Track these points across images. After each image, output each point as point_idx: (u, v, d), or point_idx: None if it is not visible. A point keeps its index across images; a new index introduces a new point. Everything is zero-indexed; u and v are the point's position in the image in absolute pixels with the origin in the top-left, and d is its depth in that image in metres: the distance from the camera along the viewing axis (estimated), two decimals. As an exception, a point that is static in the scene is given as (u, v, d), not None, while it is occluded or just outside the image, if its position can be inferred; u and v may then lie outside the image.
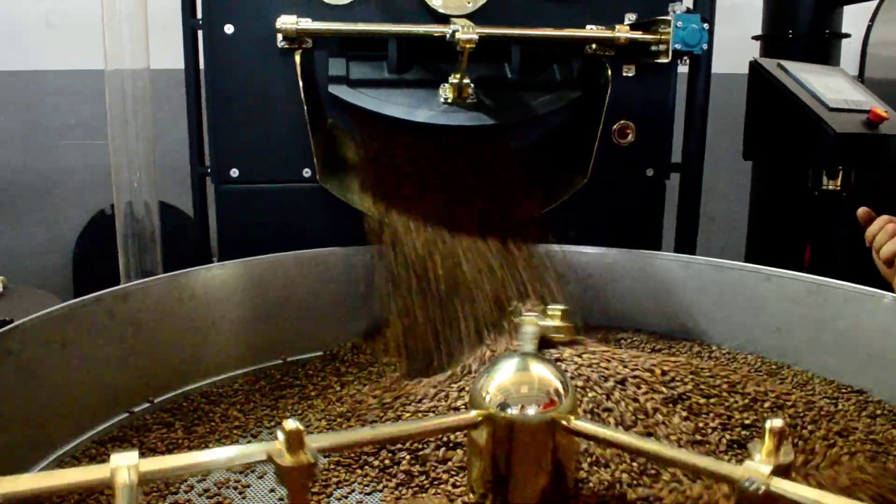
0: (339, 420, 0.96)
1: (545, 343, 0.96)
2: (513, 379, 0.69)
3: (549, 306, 0.99)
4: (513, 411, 0.67)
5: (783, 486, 0.56)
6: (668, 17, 1.29)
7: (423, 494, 0.78)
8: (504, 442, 0.68)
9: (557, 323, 0.97)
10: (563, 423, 0.68)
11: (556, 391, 0.68)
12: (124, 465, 0.54)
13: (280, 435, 0.57)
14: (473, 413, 0.69)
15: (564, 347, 0.95)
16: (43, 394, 0.87)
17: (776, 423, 0.58)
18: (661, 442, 0.81)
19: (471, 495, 0.73)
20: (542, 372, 0.70)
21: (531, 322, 0.94)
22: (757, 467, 0.57)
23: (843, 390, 1.07)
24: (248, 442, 0.93)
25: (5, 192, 2.56)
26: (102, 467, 0.54)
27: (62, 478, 0.56)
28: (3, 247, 2.54)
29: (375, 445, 0.84)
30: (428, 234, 1.20)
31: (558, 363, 0.89)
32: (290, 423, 0.57)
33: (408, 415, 0.91)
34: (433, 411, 0.90)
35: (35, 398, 0.86)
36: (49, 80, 2.51)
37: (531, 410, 0.67)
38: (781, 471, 0.57)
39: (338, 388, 1.08)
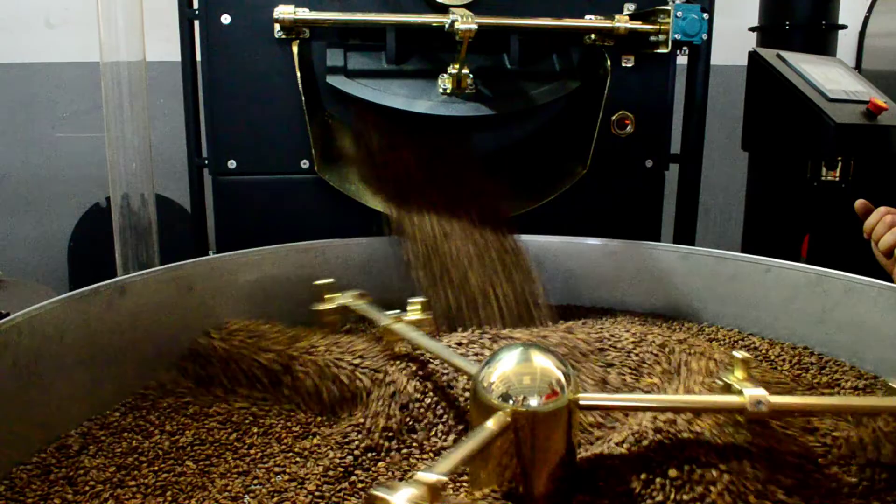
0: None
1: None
2: (516, 369, 0.68)
3: (409, 299, 0.95)
4: (535, 402, 0.66)
5: (782, 400, 0.66)
6: (668, 7, 1.28)
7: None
8: (531, 434, 0.66)
9: (419, 316, 0.93)
10: (581, 401, 0.68)
11: (557, 381, 0.67)
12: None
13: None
14: (498, 417, 0.65)
15: None
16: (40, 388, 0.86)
17: (741, 353, 0.69)
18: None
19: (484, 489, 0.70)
20: (540, 360, 0.69)
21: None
22: (756, 392, 0.65)
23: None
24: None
25: (0, 185, 2.54)
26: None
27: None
28: (-3, 240, 2.53)
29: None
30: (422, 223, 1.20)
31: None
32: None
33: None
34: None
35: (32, 393, 0.85)
36: (44, 72, 2.50)
37: (543, 397, 0.66)
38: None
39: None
